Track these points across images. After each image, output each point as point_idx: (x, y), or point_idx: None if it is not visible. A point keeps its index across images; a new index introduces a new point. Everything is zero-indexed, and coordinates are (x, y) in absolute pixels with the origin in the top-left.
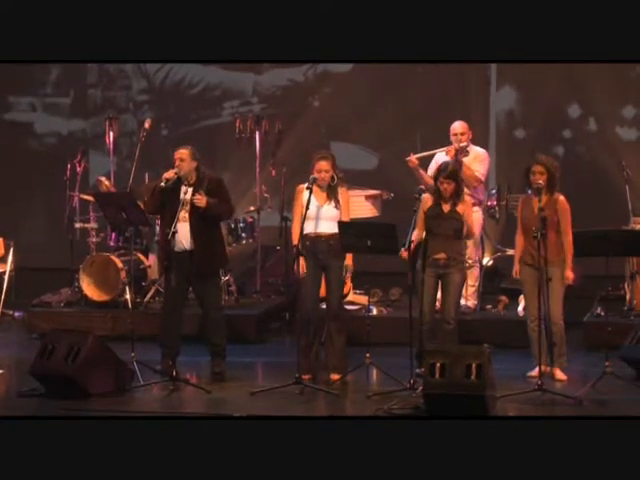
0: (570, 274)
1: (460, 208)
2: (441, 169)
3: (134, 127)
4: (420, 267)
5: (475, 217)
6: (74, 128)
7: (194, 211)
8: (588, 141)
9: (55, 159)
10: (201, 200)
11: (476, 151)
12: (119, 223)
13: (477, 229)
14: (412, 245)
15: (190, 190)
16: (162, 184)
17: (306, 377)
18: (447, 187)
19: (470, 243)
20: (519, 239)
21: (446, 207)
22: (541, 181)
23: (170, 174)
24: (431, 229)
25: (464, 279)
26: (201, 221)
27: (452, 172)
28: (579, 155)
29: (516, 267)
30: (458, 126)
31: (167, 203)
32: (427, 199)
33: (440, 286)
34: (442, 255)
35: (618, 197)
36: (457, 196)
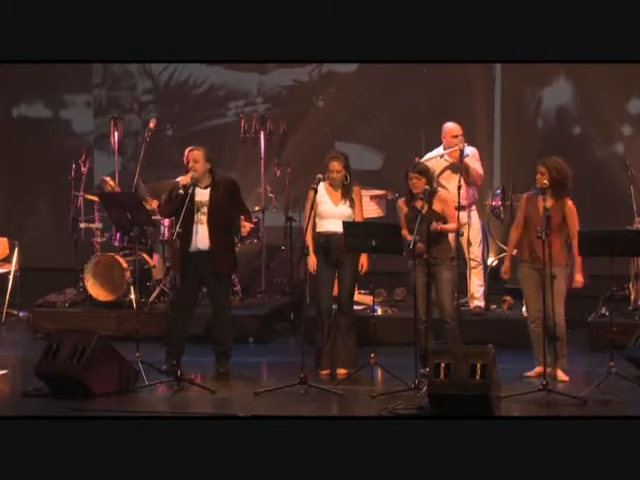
0: (580, 278)
1: (437, 207)
2: (412, 165)
3: (139, 127)
4: (410, 267)
5: (476, 216)
6: None
7: (211, 213)
8: None
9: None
10: (247, 228)
11: (471, 150)
12: (124, 223)
13: (478, 227)
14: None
15: (207, 192)
16: (181, 191)
17: (324, 372)
18: (416, 182)
19: (475, 242)
20: (514, 234)
21: (423, 207)
22: (545, 181)
23: (187, 180)
24: (414, 231)
25: (454, 276)
26: (218, 223)
27: (423, 169)
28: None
29: (506, 265)
30: (455, 128)
31: (180, 205)
32: (402, 205)
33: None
34: (427, 255)
35: (623, 197)
36: (430, 194)
